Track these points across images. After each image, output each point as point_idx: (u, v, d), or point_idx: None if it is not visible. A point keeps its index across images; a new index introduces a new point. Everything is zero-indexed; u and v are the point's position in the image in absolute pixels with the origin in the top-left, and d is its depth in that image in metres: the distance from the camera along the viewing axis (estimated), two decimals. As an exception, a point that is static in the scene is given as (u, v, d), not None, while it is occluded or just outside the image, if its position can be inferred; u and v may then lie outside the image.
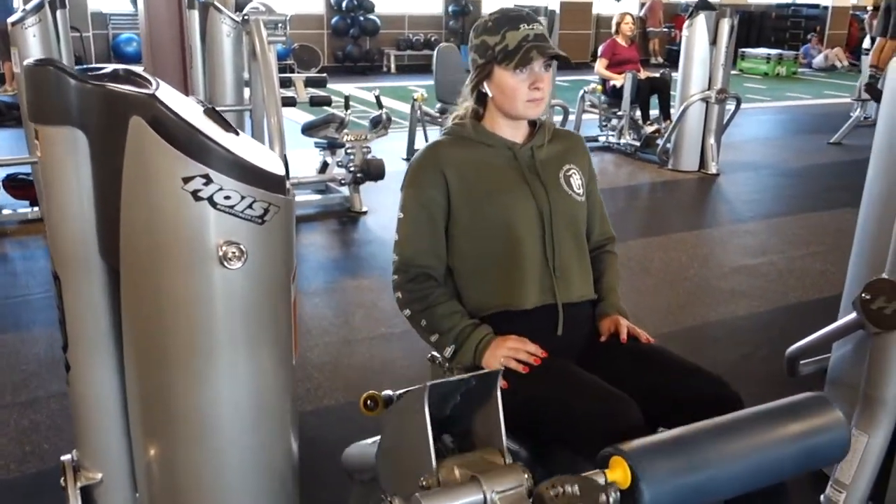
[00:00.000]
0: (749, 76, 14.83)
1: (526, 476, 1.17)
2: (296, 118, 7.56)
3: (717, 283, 4.36)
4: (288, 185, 1.12)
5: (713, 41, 6.69)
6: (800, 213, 5.76)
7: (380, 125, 5.33)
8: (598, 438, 1.31)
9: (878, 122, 2.42)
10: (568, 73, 6.39)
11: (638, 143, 7.40)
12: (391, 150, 6.93)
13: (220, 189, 1.04)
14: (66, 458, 1.34)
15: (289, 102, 5.73)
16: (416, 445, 1.20)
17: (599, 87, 7.82)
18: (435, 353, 2.03)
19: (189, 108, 1.08)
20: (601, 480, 1.17)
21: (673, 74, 7.46)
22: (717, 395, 1.64)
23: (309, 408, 2.95)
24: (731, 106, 7.03)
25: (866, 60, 8.65)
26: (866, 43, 9.53)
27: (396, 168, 6.65)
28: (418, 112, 6.76)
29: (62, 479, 1.33)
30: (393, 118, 5.96)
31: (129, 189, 1.07)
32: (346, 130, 5.25)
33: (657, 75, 7.71)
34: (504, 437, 1.26)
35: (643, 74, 7.55)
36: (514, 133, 1.89)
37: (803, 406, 1.38)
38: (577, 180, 1.91)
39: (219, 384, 1.14)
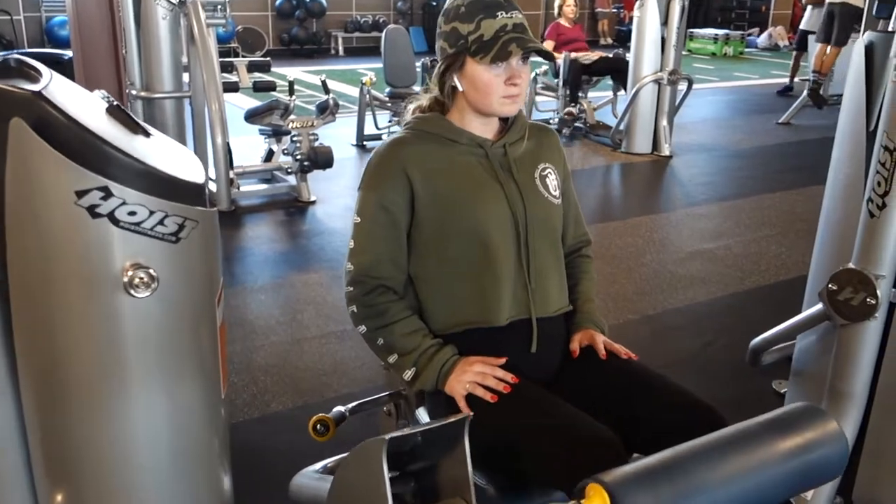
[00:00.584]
0: (698, 56, 14.90)
1: None
2: (240, 104, 7.30)
3: (675, 268, 4.29)
4: (212, 190, 0.96)
5: (664, 22, 6.62)
6: (752, 196, 5.73)
7: (327, 111, 5.14)
8: (576, 477, 1.18)
9: (842, 110, 2.35)
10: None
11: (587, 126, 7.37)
12: (340, 137, 6.74)
13: (123, 203, 0.87)
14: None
15: (231, 88, 5.49)
16: (372, 502, 1.05)
17: (546, 70, 7.74)
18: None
19: (87, 107, 0.91)
20: None
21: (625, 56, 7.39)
22: (708, 427, 1.44)
23: (255, 415, 2.79)
24: (682, 87, 6.99)
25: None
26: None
27: (345, 155, 6.46)
28: (367, 96, 6.57)
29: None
30: (341, 103, 5.76)
31: (13, 205, 0.89)
32: (291, 117, 5.04)
33: (610, 55, 7.64)
34: (472, 489, 1.11)
35: (595, 55, 7.47)
36: (485, 129, 1.70)
37: (797, 418, 1.24)
38: (552, 181, 1.73)
39: (132, 425, 0.98)
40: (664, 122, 6.86)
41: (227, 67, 5.86)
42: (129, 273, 0.89)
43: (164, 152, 0.96)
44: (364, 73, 7.25)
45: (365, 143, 6.91)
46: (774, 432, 1.21)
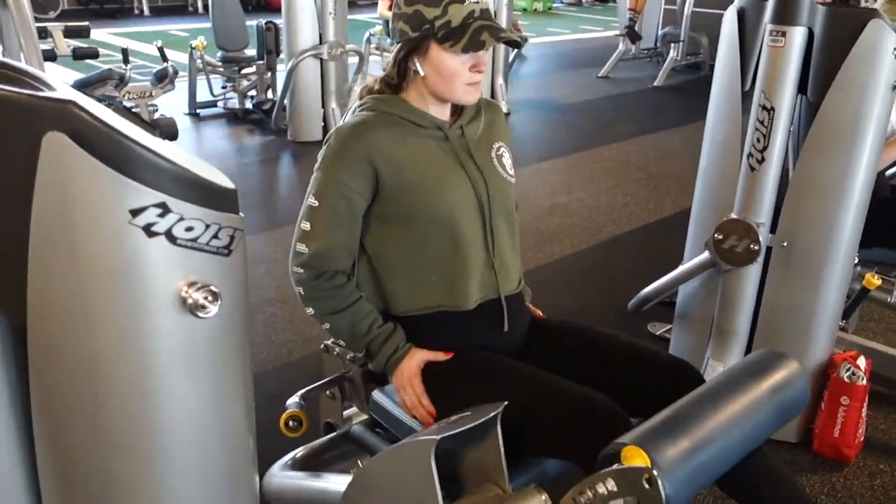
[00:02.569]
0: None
1: (544, 498, 1.07)
2: (62, 76, 6.67)
3: (538, 223, 4.47)
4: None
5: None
6: (590, 148, 6.05)
7: (166, 79, 4.82)
8: (591, 444, 1.24)
9: (716, 72, 2.52)
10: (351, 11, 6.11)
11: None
12: (167, 106, 6.34)
13: (181, 219, 0.79)
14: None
15: (48, 57, 4.99)
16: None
17: (381, 30, 7.65)
18: (329, 343, 1.86)
19: (104, 112, 0.81)
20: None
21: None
22: (689, 382, 1.53)
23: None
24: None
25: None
26: None
27: (182, 125, 6.11)
28: (199, 61, 6.22)
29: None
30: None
31: (43, 228, 0.78)
32: (127, 87, 4.69)
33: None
34: (506, 475, 1.13)
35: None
36: (442, 110, 1.67)
37: (767, 363, 1.41)
38: (507, 159, 1.73)
39: (164, 449, 0.91)
40: (500, 80, 7.04)
41: (39, 34, 5.32)
42: (191, 292, 0.82)
43: (182, 155, 0.88)
44: (175, 35, 6.84)
45: (199, 110, 6.56)
46: (752, 379, 1.38)
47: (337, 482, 1.45)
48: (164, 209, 0.79)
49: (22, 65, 0.90)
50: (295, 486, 1.56)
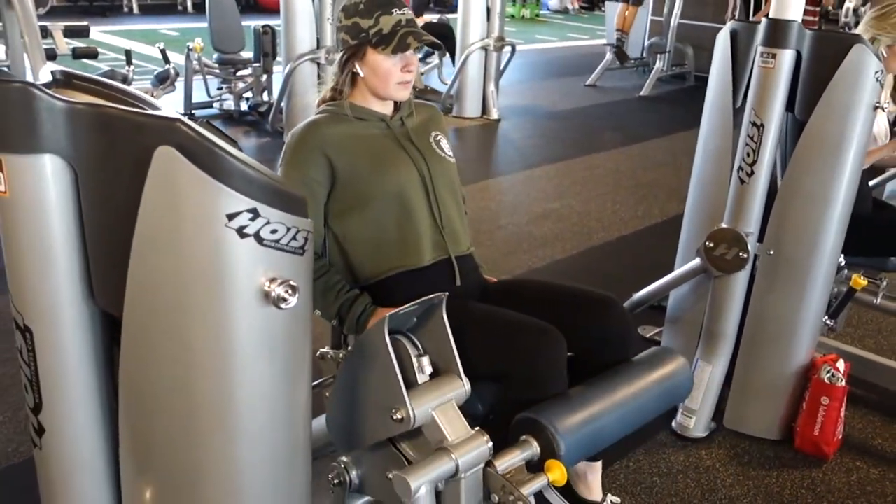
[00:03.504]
0: (498, 18, 15.45)
1: (488, 445, 1.39)
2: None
3: (530, 228, 4.60)
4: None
5: (490, -10, 6.88)
6: (580, 156, 6.20)
7: (167, 81, 4.91)
8: (529, 371, 1.62)
9: (709, 89, 2.67)
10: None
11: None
12: (164, 105, 6.42)
13: (268, 223, 0.92)
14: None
15: (49, 56, 5.06)
16: (381, 382, 1.31)
17: None
18: (324, 350, 2.00)
19: (204, 129, 0.93)
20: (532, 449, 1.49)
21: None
22: (608, 310, 1.88)
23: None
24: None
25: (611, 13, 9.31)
26: None
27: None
28: (195, 63, 6.30)
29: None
30: (154, 69, 5.47)
31: (148, 229, 0.90)
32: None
33: (435, 20, 7.82)
34: (459, 364, 1.43)
35: (420, 20, 7.61)
36: (383, 107, 1.98)
37: (658, 358, 1.81)
38: (445, 144, 2.06)
39: (241, 424, 1.03)
40: (492, 87, 7.19)
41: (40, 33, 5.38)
42: (274, 287, 0.94)
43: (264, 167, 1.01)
44: (166, 35, 6.90)
45: (194, 111, 6.63)
46: (643, 369, 1.76)
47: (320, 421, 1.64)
48: (255, 214, 0.91)
49: (130, 88, 1.01)
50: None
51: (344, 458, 1.52)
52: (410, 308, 1.38)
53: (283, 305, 0.94)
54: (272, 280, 0.94)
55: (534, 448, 1.49)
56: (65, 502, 1.11)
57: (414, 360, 1.40)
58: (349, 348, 1.91)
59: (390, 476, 1.39)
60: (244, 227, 0.90)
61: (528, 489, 1.39)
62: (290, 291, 0.94)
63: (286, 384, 1.03)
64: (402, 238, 1.90)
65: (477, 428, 1.44)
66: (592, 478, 2.10)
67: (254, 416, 1.02)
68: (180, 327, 0.95)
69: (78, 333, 1.01)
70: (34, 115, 0.91)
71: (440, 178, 1.97)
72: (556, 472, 1.43)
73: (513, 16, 15.79)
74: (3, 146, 0.93)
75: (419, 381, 1.39)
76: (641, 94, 8.68)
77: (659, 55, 9.03)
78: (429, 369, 1.42)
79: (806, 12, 7.01)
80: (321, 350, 2.03)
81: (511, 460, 1.46)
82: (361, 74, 1.90)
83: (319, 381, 2.00)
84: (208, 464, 1.03)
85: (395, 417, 1.33)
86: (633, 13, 8.80)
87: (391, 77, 1.89)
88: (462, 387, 1.43)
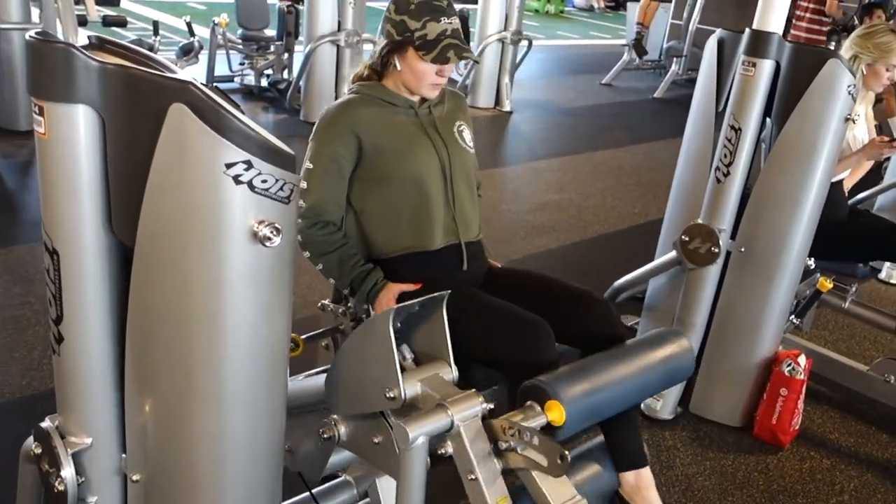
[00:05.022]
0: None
1: (480, 399, 1.47)
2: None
3: (528, 217, 4.78)
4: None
5: (509, -17, 7.04)
6: (586, 152, 6.37)
7: (191, 53, 5.10)
8: (518, 361, 1.69)
9: (695, 93, 2.84)
10: None
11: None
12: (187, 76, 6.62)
13: (259, 174, 1.10)
14: (45, 425, 1.33)
15: (80, 22, 5.26)
16: (380, 363, 1.44)
17: None
18: (325, 303, 2.21)
19: (211, 91, 1.12)
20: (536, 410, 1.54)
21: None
22: (593, 304, 1.96)
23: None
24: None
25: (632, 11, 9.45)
26: None
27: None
28: (220, 37, 6.49)
29: (36, 446, 1.33)
30: (178, 40, 5.67)
31: (160, 172, 1.09)
32: (154, 57, 4.95)
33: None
34: (450, 351, 1.53)
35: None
36: (413, 95, 2.06)
37: (664, 338, 1.84)
38: (467, 135, 2.15)
39: (228, 344, 1.21)
40: (506, 80, 7.35)
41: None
42: (261, 227, 1.13)
43: (260, 128, 1.19)
44: (193, 7, 7.08)
45: (216, 84, 6.83)
46: (648, 347, 1.81)
47: (320, 379, 1.76)
48: (249, 165, 1.10)
49: (149, 52, 1.20)
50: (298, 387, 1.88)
51: (335, 416, 1.64)
52: (415, 303, 1.51)
53: (268, 244, 1.12)
54: (260, 222, 1.12)
55: (535, 409, 1.53)
56: (77, 402, 1.30)
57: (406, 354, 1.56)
58: (352, 325, 2.09)
59: (377, 441, 1.55)
60: (239, 175, 1.09)
61: (528, 425, 1.46)
62: (274, 232, 1.12)
63: (268, 312, 1.22)
64: (416, 220, 2.00)
65: (472, 390, 1.53)
66: (648, 492, 1.91)
67: (239, 338, 1.20)
68: (181, 257, 1.14)
69: (97, 257, 1.20)
70: (72, 72, 1.10)
71: (458, 167, 2.06)
72: (555, 412, 1.50)
73: (537, 10, 15.90)
74: (46, 95, 1.12)
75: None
76: (655, 95, 8.81)
77: (675, 58, 9.15)
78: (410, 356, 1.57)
79: (813, 31, 7.15)
80: (322, 302, 2.21)
81: (512, 419, 1.50)
82: (398, 68, 1.98)
83: (318, 331, 2.17)
84: (198, 376, 1.22)
85: (388, 396, 1.46)
86: (654, 8, 8.89)
87: (425, 79, 1.97)
88: (450, 373, 1.54)
